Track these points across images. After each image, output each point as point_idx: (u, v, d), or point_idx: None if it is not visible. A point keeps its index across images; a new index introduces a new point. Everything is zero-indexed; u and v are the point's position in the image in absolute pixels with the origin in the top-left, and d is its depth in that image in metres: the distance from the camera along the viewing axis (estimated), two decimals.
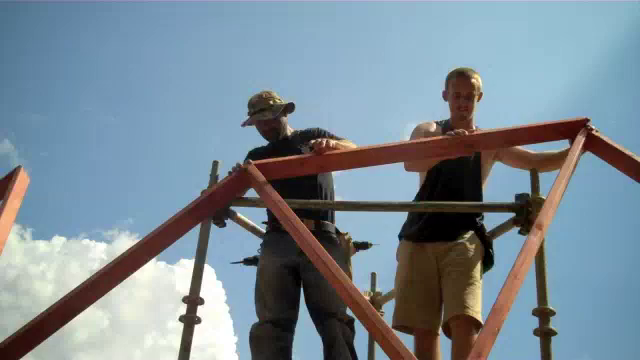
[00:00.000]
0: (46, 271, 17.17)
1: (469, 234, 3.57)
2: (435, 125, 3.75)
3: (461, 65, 3.78)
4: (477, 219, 3.63)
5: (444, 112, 3.86)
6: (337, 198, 3.99)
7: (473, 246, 3.53)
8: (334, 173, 4.05)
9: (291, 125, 4.09)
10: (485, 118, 3.95)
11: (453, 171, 3.61)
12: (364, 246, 3.96)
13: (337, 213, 3.93)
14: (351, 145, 3.68)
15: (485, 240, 3.60)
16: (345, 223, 3.97)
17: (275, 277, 3.64)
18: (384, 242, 4.10)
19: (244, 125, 4.01)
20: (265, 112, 3.93)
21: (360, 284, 4.58)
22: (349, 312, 3.45)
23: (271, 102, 3.95)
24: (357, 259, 3.97)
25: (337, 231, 3.88)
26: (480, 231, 3.60)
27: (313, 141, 3.45)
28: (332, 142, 3.44)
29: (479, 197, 3.65)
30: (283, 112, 4.00)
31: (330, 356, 3.50)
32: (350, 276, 3.70)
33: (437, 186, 3.64)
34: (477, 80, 3.70)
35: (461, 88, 3.69)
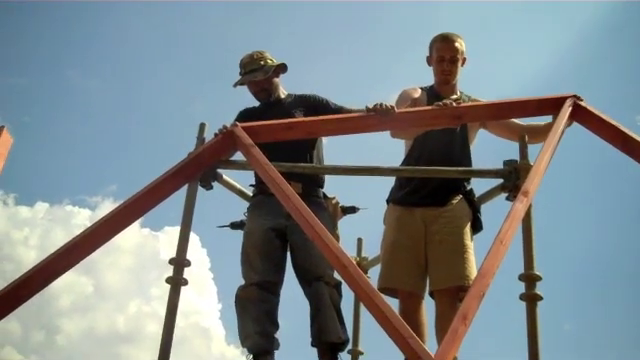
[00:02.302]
0: (29, 237, 17.11)
1: (457, 199, 3.57)
2: (420, 90, 3.74)
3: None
4: (465, 183, 3.63)
5: (431, 80, 3.83)
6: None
7: (462, 213, 3.53)
8: (324, 141, 4.02)
9: (284, 87, 4.05)
10: (474, 87, 3.93)
11: (440, 137, 3.60)
12: (352, 210, 3.95)
13: (325, 179, 3.90)
14: None
15: (473, 204, 3.60)
16: (333, 188, 3.96)
17: (262, 240, 3.62)
18: (372, 208, 4.09)
19: (235, 85, 3.96)
20: (256, 72, 3.90)
21: (347, 250, 4.57)
22: (336, 275, 3.44)
23: (262, 62, 3.91)
24: (344, 224, 3.97)
25: (324, 195, 3.87)
26: (468, 196, 3.60)
27: (374, 104, 3.35)
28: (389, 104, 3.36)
29: (467, 162, 3.65)
30: (275, 73, 3.96)
31: (317, 319, 3.51)
32: (337, 239, 3.69)
33: (424, 152, 3.63)
34: (461, 44, 3.68)
35: (445, 52, 3.67)
